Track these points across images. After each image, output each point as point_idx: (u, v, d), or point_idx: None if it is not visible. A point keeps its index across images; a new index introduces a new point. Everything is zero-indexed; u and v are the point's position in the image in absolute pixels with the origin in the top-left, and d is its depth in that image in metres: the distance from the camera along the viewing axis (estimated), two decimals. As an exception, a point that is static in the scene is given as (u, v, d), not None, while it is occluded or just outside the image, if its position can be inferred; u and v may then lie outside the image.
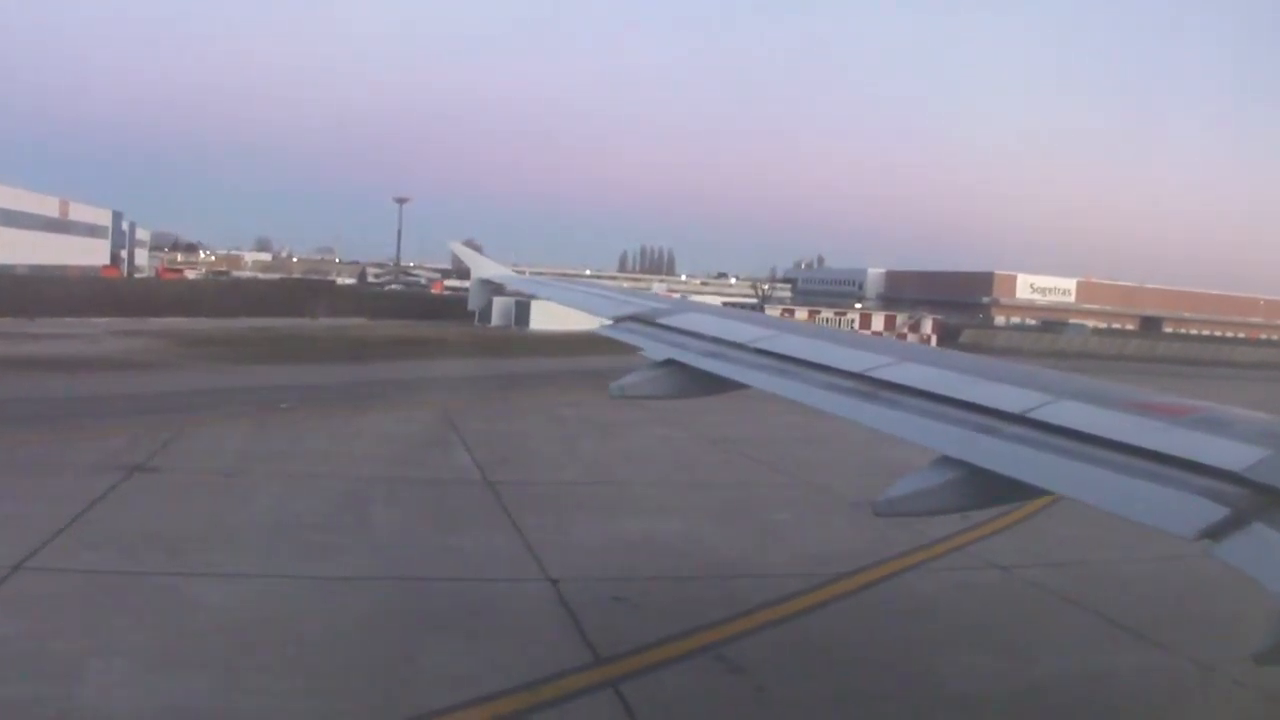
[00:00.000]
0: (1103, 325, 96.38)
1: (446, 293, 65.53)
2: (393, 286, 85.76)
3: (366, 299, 56.45)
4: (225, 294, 50.81)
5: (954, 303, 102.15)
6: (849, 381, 4.39)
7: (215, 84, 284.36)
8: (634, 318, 5.93)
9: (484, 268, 8.65)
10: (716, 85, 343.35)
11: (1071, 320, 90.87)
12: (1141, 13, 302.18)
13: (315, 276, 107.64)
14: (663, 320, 5.77)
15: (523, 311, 46.02)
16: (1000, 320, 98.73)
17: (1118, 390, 3.92)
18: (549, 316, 43.87)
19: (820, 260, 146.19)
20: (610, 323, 5.98)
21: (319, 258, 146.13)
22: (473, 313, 45.89)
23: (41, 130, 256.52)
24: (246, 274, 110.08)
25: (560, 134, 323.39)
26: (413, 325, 41.83)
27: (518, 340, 39.22)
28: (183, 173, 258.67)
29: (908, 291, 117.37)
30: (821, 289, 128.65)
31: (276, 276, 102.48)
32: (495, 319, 47.16)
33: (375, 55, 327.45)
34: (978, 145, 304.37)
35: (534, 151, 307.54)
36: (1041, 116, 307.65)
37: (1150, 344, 66.15)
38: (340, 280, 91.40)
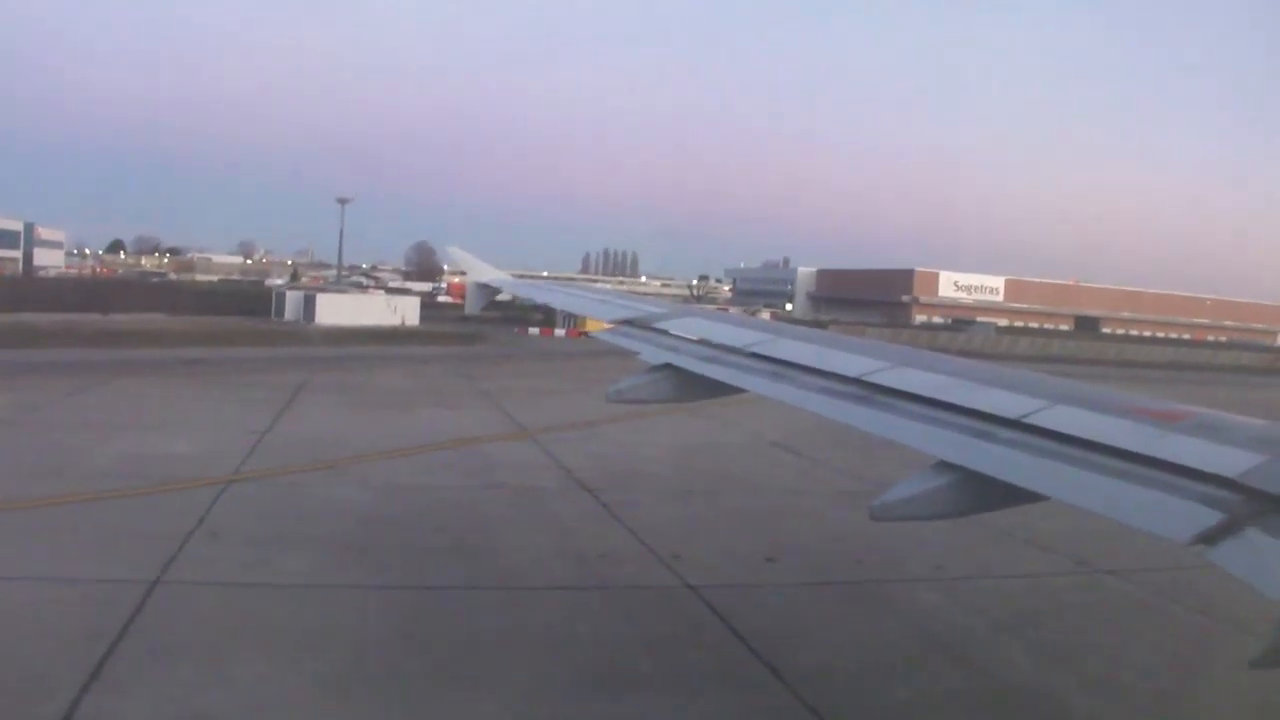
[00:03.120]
0: (1034, 325, 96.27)
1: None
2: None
3: (210, 296, 59.17)
4: (34, 292, 52.66)
5: (876, 301, 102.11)
6: (846, 386, 4.46)
7: (208, 94, 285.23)
8: (630, 322, 5.96)
9: (481, 272, 8.74)
10: (684, 88, 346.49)
11: (979, 319, 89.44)
12: (1096, 5, 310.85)
13: (250, 279, 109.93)
14: (659, 324, 5.80)
15: (309, 307, 47.47)
16: (921, 319, 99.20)
17: (1114, 395, 4.02)
18: (335, 312, 46.37)
19: (785, 262, 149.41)
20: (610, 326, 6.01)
21: (290, 261, 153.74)
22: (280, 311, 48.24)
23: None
24: (193, 276, 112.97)
25: (530, 136, 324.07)
26: (190, 320, 43.27)
27: (261, 334, 39.16)
28: (178, 180, 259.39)
29: (833, 289, 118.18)
30: (757, 288, 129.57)
31: (215, 278, 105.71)
32: (288, 313, 48.28)
33: (350, 65, 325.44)
34: (954, 148, 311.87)
35: (499, 153, 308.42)
36: (1037, 116, 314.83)
37: (1044, 342, 67.21)
38: (269, 282, 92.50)
